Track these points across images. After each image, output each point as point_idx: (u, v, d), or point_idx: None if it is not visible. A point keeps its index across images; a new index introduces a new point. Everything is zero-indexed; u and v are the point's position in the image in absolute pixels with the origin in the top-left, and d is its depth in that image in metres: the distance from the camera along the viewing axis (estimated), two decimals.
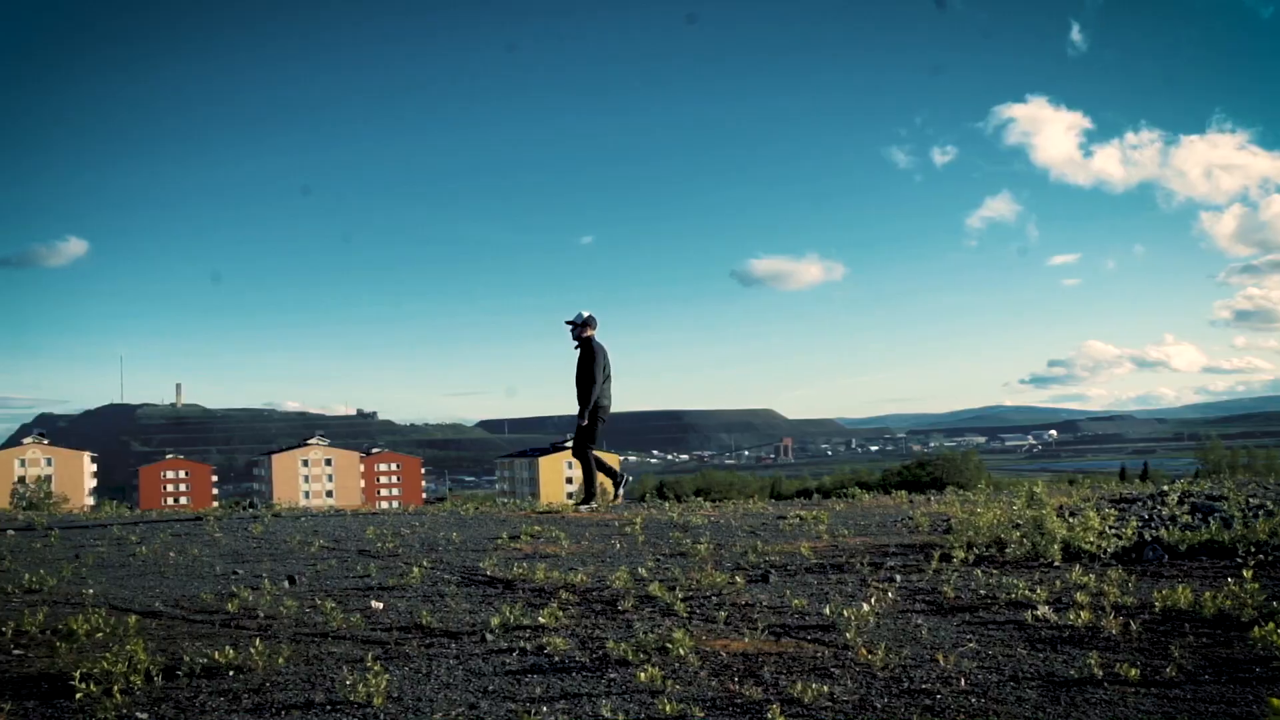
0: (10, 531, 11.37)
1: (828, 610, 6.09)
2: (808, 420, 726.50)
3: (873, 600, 6.41)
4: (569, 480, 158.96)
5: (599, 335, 13.48)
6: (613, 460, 13.89)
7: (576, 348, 13.39)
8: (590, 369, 13.11)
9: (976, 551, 8.38)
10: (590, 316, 13.33)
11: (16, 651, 5.46)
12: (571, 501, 14.01)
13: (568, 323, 13.40)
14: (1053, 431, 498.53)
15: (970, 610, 6.28)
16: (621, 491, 13.71)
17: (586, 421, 13.18)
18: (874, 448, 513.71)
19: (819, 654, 5.24)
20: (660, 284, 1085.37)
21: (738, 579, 7.27)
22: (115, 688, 4.52)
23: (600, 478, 13.64)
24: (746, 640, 5.54)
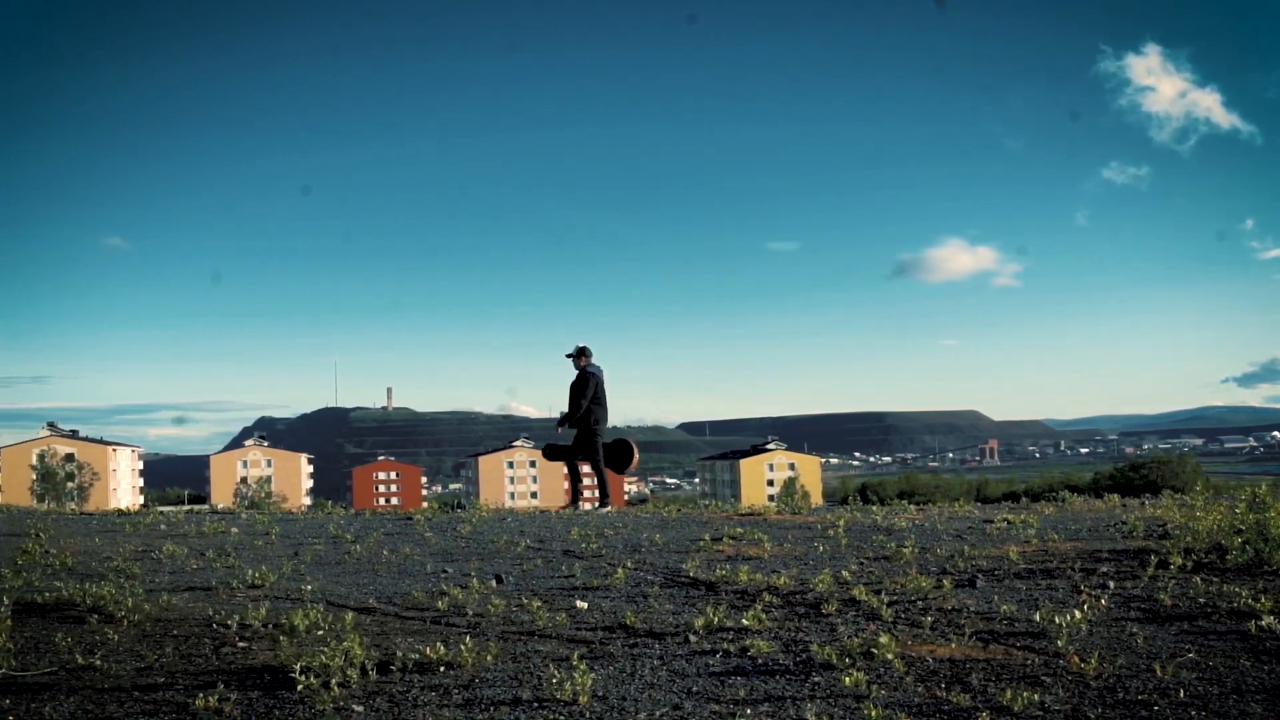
0: (234, 529, 11.85)
1: (1038, 616, 5.93)
2: (1014, 421, 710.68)
3: (1085, 607, 6.21)
4: (770, 483, 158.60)
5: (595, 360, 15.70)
6: (622, 482, 16.07)
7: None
8: (579, 391, 15.37)
9: (1195, 558, 8.01)
10: (584, 348, 15.65)
11: (241, 644, 5.69)
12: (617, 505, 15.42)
13: (567, 355, 15.66)
14: (1276, 433, 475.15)
15: (1189, 619, 6.04)
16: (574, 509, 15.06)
17: (561, 429, 15.67)
18: (1084, 450, 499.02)
19: (1029, 661, 5.11)
20: (860, 284, 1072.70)
21: (944, 583, 7.13)
22: (333, 680, 4.68)
23: (568, 484, 16.23)
24: (953, 646, 5.44)
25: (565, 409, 15.54)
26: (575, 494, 15.89)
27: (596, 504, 15.13)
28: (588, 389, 15.27)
